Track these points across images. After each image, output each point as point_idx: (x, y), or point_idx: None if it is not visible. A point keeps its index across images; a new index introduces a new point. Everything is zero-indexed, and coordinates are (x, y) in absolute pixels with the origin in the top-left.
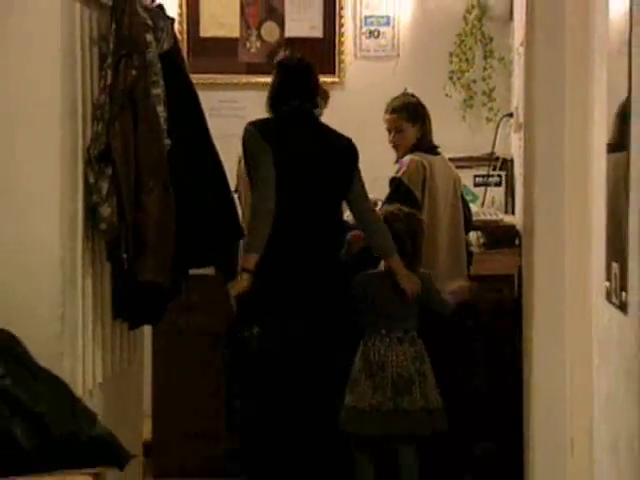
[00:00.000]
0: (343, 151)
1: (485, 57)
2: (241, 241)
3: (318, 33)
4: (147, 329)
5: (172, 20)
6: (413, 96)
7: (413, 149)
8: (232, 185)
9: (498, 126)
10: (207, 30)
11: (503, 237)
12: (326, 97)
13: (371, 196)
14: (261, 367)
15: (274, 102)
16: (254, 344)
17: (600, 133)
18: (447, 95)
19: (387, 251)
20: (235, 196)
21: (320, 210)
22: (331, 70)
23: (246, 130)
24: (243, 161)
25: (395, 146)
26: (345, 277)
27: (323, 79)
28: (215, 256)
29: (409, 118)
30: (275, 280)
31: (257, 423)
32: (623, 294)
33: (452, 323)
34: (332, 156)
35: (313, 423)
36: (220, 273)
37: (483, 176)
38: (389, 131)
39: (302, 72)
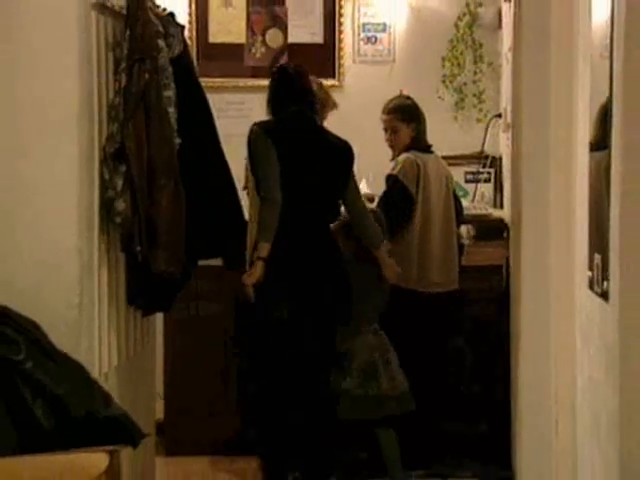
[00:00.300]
0: (341, 151)
1: (475, 62)
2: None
3: (319, 39)
4: (159, 316)
5: (182, 27)
6: (408, 98)
7: (408, 148)
8: (241, 183)
9: (488, 126)
10: (215, 36)
11: (492, 230)
12: (334, 107)
13: (369, 192)
14: (286, 344)
15: (274, 107)
16: (284, 323)
17: (583, 132)
18: (440, 97)
19: (376, 242)
20: (244, 193)
21: (321, 203)
22: (331, 74)
23: (252, 130)
24: (249, 159)
25: (391, 145)
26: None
27: (323, 82)
28: (222, 247)
29: (404, 119)
30: (288, 263)
31: (272, 399)
32: (605, 283)
33: (441, 312)
34: (330, 155)
35: (322, 399)
36: (228, 264)
37: (473, 173)
38: (385, 131)
39: (297, 78)
